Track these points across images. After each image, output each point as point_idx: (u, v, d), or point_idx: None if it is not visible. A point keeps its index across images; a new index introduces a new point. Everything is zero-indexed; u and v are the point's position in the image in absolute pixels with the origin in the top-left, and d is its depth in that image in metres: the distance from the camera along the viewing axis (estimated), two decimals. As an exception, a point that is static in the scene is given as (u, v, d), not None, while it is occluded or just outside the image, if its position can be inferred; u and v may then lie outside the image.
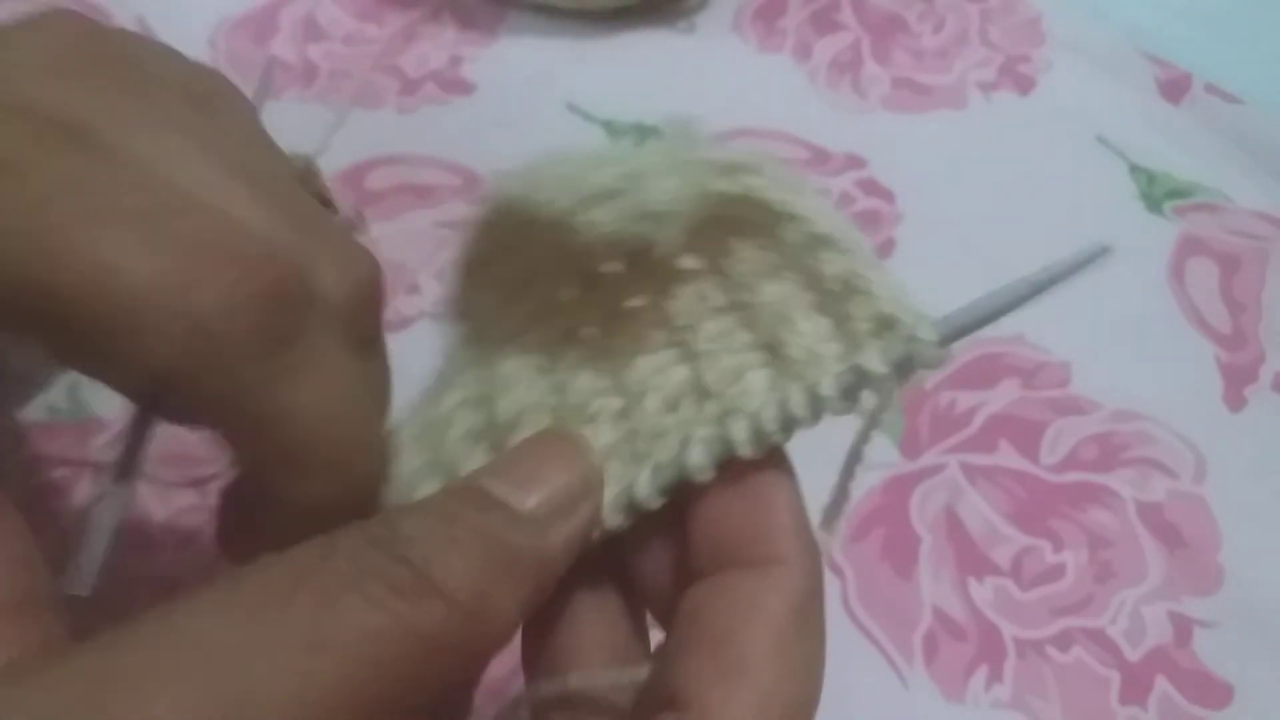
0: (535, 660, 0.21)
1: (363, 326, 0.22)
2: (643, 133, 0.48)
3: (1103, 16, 0.54)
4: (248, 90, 0.24)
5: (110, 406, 0.38)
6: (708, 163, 0.20)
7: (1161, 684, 0.35)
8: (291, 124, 0.48)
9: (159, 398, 0.20)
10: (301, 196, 0.22)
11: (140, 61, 0.21)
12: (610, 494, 0.21)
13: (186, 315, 0.18)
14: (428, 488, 0.22)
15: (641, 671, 0.20)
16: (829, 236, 0.21)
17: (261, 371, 0.19)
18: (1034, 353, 0.42)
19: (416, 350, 0.37)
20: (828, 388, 0.21)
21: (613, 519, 0.21)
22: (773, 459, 0.21)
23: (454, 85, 0.50)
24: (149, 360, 0.18)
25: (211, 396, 0.19)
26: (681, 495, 0.21)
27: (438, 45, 0.52)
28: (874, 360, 0.20)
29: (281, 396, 0.19)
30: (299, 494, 0.20)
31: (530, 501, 0.19)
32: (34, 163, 0.18)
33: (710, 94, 0.50)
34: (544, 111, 0.49)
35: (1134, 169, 0.48)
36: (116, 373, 0.19)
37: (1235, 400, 0.41)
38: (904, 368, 0.21)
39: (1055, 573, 0.37)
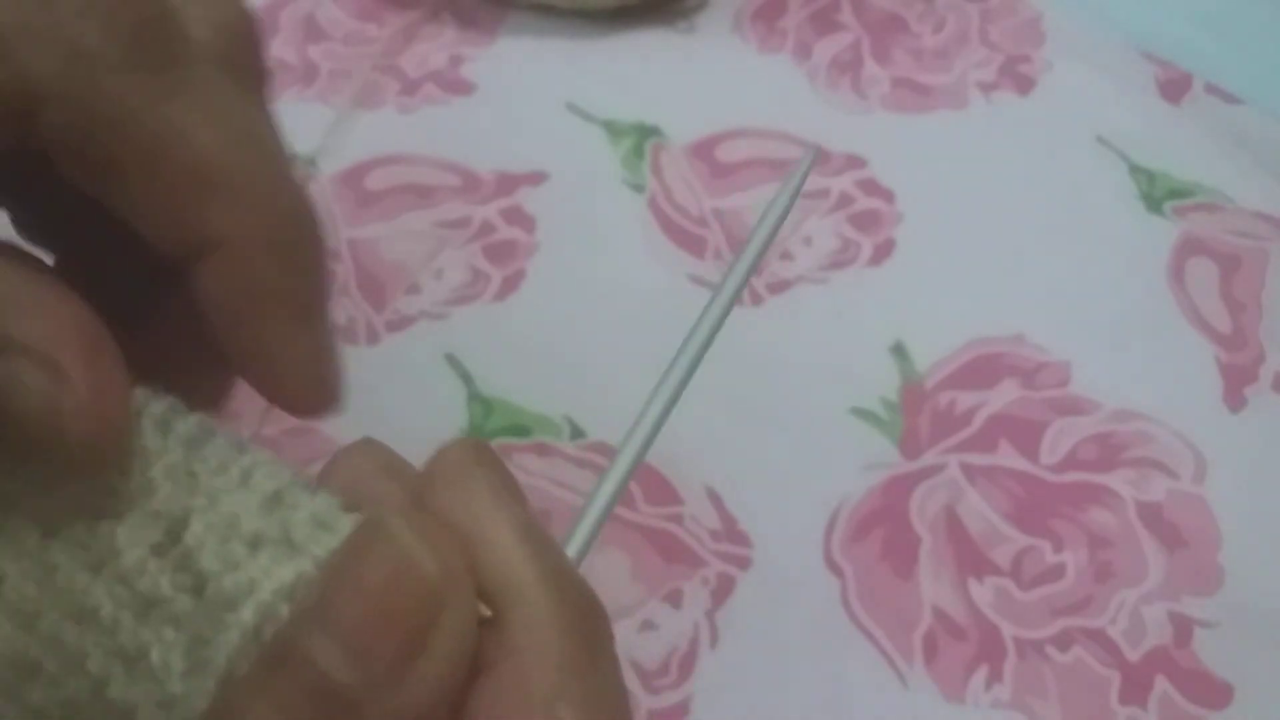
0: None
1: (242, 66, 0.20)
2: (643, 133, 0.48)
3: (1103, 16, 0.54)
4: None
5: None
6: None
7: (1161, 684, 0.34)
8: (291, 124, 0.48)
9: (37, 149, 0.18)
10: None
11: None
12: None
13: (59, 39, 0.17)
14: None
15: None
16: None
17: (145, 89, 0.18)
18: (1034, 353, 0.42)
19: (416, 350, 0.37)
20: None
21: None
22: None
23: (454, 85, 0.50)
24: (27, 78, 0.17)
25: (98, 117, 0.17)
26: None
27: (438, 45, 0.52)
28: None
29: (174, 115, 0.18)
30: (215, 226, 0.18)
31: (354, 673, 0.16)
32: None
33: (710, 94, 0.50)
34: (544, 111, 0.49)
35: (1134, 169, 0.48)
36: None
37: (1235, 400, 0.41)
38: None
39: (1055, 573, 0.37)
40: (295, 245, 0.19)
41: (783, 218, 0.23)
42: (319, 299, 0.20)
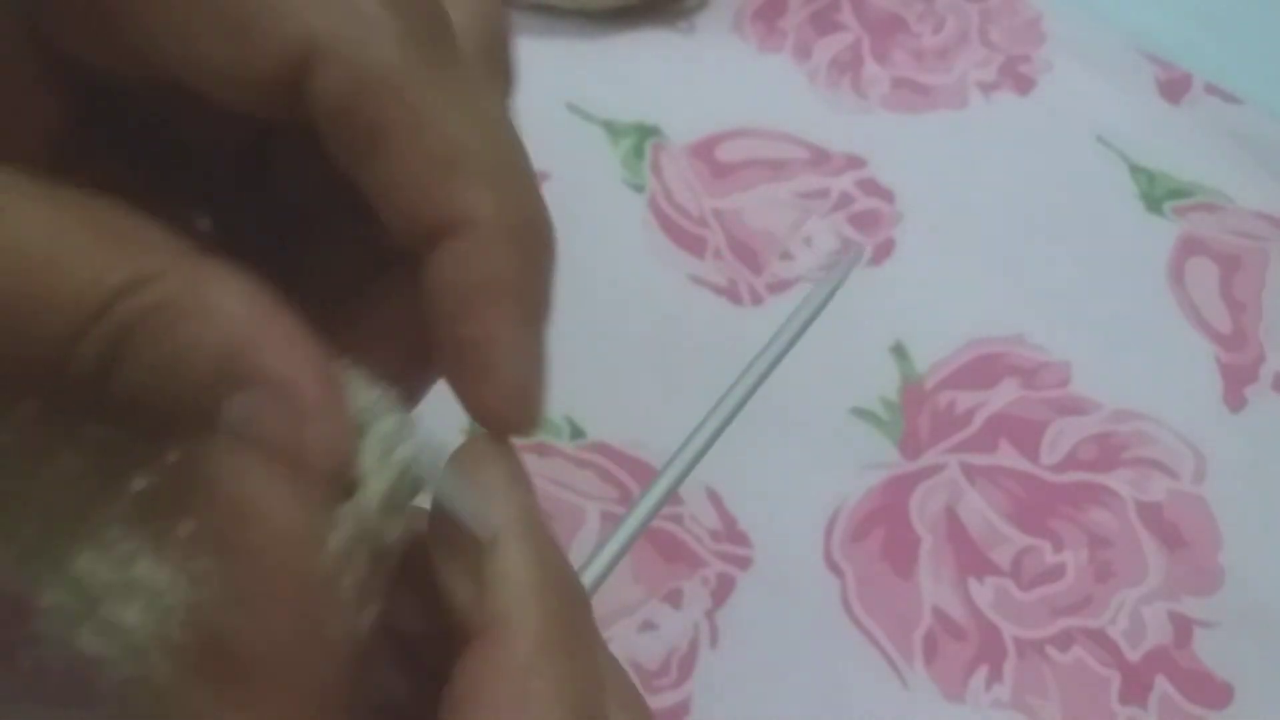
0: None
1: (494, 60, 0.21)
2: (643, 133, 0.48)
3: (1103, 16, 0.54)
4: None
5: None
6: None
7: (1161, 684, 0.35)
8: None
9: (291, 99, 0.18)
10: None
11: None
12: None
13: (343, 2, 0.17)
14: None
15: None
16: None
17: (416, 60, 0.18)
18: (1034, 353, 0.42)
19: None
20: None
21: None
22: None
23: (454, 85, 0.50)
24: (311, 33, 0.17)
25: (370, 80, 0.18)
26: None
27: (438, 45, 0.52)
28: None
29: (439, 90, 0.18)
30: (463, 207, 0.18)
31: None
32: None
33: (710, 94, 0.50)
34: (544, 111, 0.49)
35: (1134, 169, 0.48)
36: (257, 51, 0.18)
37: (1235, 400, 0.41)
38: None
39: (1055, 573, 0.37)
40: (536, 242, 0.19)
41: (820, 309, 0.23)
42: (545, 305, 0.19)
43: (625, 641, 0.35)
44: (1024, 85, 0.51)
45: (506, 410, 0.19)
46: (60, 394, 0.17)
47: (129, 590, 0.18)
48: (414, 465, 0.18)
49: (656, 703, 0.34)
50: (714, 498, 0.38)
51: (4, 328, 0.16)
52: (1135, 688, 0.34)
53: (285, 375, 0.17)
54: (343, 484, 0.17)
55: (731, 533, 0.37)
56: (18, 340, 0.16)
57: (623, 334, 0.42)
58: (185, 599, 0.18)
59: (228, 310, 0.17)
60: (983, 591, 0.36)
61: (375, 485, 0.18)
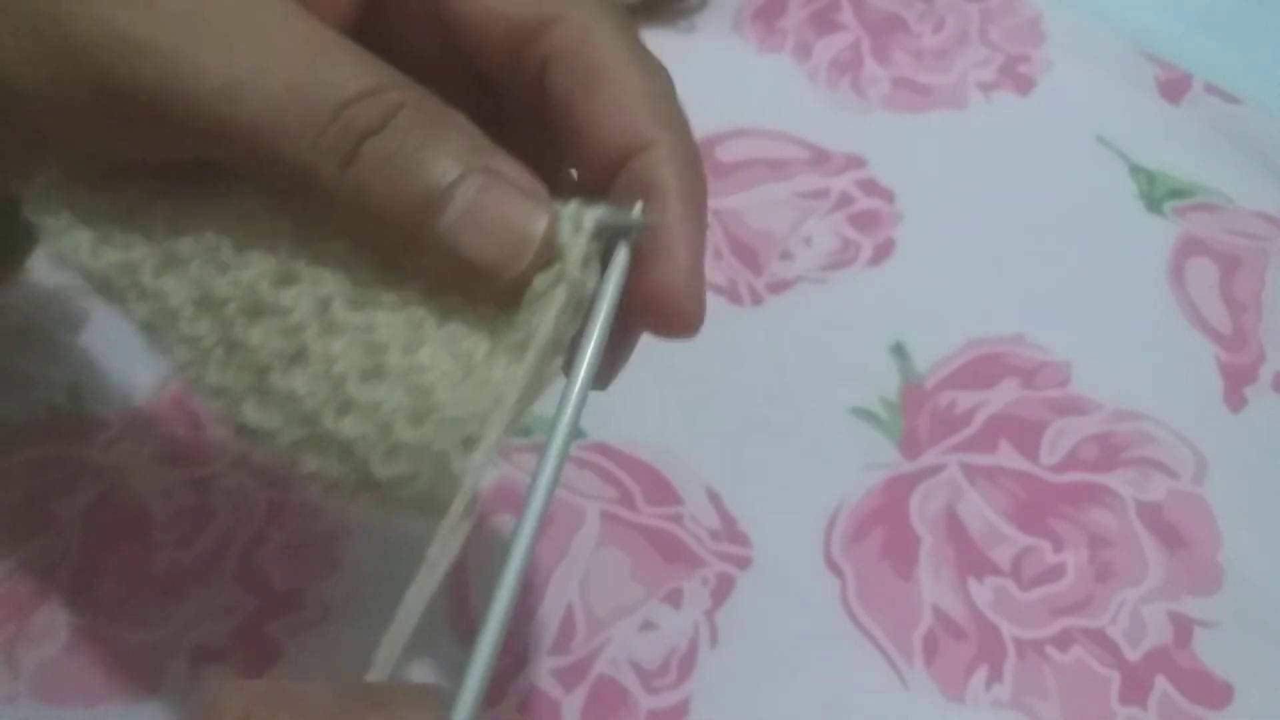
0: None
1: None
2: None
3: (1103, 16, 0.54)
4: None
5: (109, 406, 0.38)
6: None
7: (1161, 684, 0.35)
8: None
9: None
10: None
11: None
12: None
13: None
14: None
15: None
16: None
17: (626, 33, 0.24)
18: (1034, 353, 0.42)
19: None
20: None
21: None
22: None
23: (454, 85, 0.50)
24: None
25: (597, 30, 0.24)
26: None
27: (438, 45, 0.52)
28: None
29: (639, 54, 0.24)
30: (650, 132, 0.24)
31: None
32: None
33: (710, 94, 0.50)
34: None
35: (1134, 169, 0.48)
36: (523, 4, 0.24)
37: (1235, 400, 0.41)
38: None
39: (1055, 573, 0.37)
40: (696, 169, 0.24)
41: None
42: (703, 216, 0.24)
43: (625, 642, 0.35)
44: (1024, 85, 0.51)
45: (678, 287, 0.23)
46: (296, 182, 0.21)
47: (300, 358, 0.21)
48: (600, 223, 0.22)
49: (656, 703, 0.34)
50: (714, 498, 0.38)
51: (273, 104, 0.21)
52: (1135, 688, 0.34)
53: (525, 180, 0.22)
54: (551, 252, 0.22)
55: (731, 533, 0.37)
56: (278, 118, 0.21)
57: (623, 334, 0.42)
58: (358, 365, 0.21)
59: (461, 122, 0.22)
60: (983, 591, 0.36)
61: (571, 247, 0.22)
